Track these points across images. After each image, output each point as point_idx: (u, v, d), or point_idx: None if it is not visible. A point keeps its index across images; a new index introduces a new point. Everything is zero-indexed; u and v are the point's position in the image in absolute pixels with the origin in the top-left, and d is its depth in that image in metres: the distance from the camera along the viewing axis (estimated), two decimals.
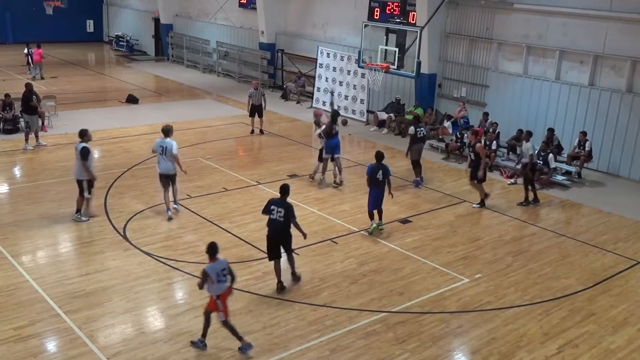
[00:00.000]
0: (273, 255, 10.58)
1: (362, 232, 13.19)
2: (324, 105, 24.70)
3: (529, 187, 15.31)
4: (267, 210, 10.54)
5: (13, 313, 9.50)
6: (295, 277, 10.94)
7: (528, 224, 14.22)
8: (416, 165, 16.32)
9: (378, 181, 12.88)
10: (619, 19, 17.20)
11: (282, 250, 10.66)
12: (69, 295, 10.10)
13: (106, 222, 13.05)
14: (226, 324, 8.79)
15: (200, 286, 8.68)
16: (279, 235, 10.53)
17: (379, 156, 13.01)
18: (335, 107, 16.90)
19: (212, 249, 8.65)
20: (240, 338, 8.83)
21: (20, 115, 19.53)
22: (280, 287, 10.60)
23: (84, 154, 12.68)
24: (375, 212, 13.13)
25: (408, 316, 10.02)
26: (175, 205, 13.60)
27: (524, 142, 15.65)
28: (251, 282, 10.83)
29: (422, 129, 16.63)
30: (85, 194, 12.92)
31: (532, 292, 11.02)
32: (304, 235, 10.74)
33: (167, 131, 13.17)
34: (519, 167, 16.05)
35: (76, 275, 10.76)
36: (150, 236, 12.42)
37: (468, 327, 9.82)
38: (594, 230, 14.07)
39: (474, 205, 14.97)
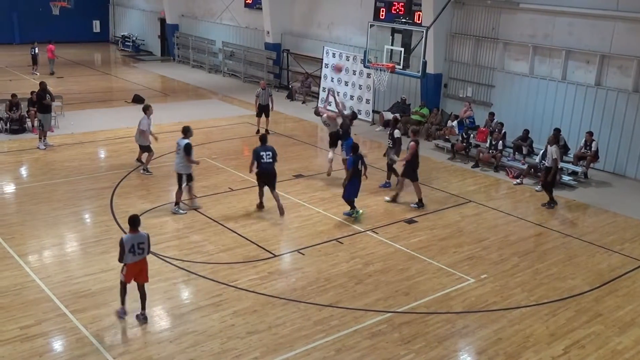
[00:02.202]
0: (261, 185, 13.73)
1: (367, 232, 13.19)
2: (330, 106, 24.69)
3: (548, 189, 15.17)
4: (257, 157, 13.45)
5: (19, 312, 9.54)
6: (281, 211, 13.53)
7: (534, 224, 14.18)
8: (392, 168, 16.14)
9: (359, 171, 13.66)
10: (626, 18, 17.13)
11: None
12: (75, 294, 10.13)
13: (112, 222, 13.08)
14: (122, 284, 9.32)
15: (120, 258, 9.15)
16: (269, 173, 13.55)
17: (356, 148, 13.85)
18: (341, 106, 17.76)
19: (133, 221, 9.20)
20: (122, 302, 9.41)
21: (26, 116, 19.66)
22: (260, 206, 13.91)
23: (187, 149, 13.35)
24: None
25: (414, 316, 10.01)
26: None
27: (548, 145, 15.30)
28: (257, 282, 10.84)
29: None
30: (184, 185, 13.70)
31: (538, 292, 10.99)
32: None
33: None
34: (541, 166, 15.99)
35: (82, 275, 10.79)
36: (156, 236, 12.42)
37: (474, 327, 9.80)
38: (601, 230, 14.02)
39: (412, 205, 14.76)
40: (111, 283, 10.52)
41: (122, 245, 9.08)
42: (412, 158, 14.51)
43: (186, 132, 13.68)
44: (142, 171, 16.09)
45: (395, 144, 15.84)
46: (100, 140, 19.31)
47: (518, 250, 12.69)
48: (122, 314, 9.45)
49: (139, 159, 16.56)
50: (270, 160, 13.52)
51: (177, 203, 13.70)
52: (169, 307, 9.97)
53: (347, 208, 13.86)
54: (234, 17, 31.71)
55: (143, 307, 9.47)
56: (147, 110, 15.97)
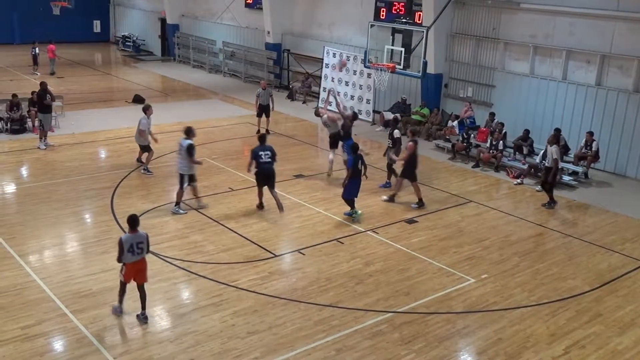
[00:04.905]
0: (261, 185, 13.74)
1: (368, 232, 13.19)
2: (330, 106, 24.70)
3: (548, 189, 15.17)
4: (256, 156, 13.46)
5: (20, 312, 9.54)
6: (280, 207, 13.65)
7: (535, 224, 14.17)
8: (392, 168, 16.06)
9: (359, 171, 13.65)
10: (627, 18, 17.13)
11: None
12: (76, 294, 10.14)
13: (113, 222, 13.08)
14: (121, 284, 9.39)
15: (119, 258, 9.18)
16: (268, 173, 13.57)
17: (356, 148, 13.80)
18: (342, 107, 17.67)
19: (132, 221, 9.19)
20: (120, 301, 9.50)
21: (27, 116, 19.67)
22: (260, 207, 13.92)
23: (190, 150, 13.33)
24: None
25: (414, 316, 10.01)
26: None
27: (548, 145, 15.29)
28: (257, 282, 10.84)
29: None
30: (187, 184, 13.67)
31: (538, 292, 10.99)
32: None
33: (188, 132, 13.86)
34: (542, 166, 16.01)
35: (83, 275, 10.79)
36: (157, 236, 12.43)
37: (474, 327, 9.80)
38: (601, 230, 14.01)
39: (412, 205, 14.76)
40: (112, 283, 10.52)
41: (120, 244, 9.09)
42: (411, 158, 14.52)
43: (189, 132, 13.68)
44: (142, 171, 16.10)
45: (395, 144, 15.84)
46: (101, 140, 19.32)
47: (518, 250, 12.69)
48: (118, 311, 9.53)
49: (139, 159, 16.59)
50: (269, 160, 13.57)
51: (177, 203, 13.70)
52: (170, 307, 9.97)
53: (348, 208, 13.87)
54: (235, 17, 31.71)
55: (143, 307, 9.47)
56: (147, 110, 15.98)
